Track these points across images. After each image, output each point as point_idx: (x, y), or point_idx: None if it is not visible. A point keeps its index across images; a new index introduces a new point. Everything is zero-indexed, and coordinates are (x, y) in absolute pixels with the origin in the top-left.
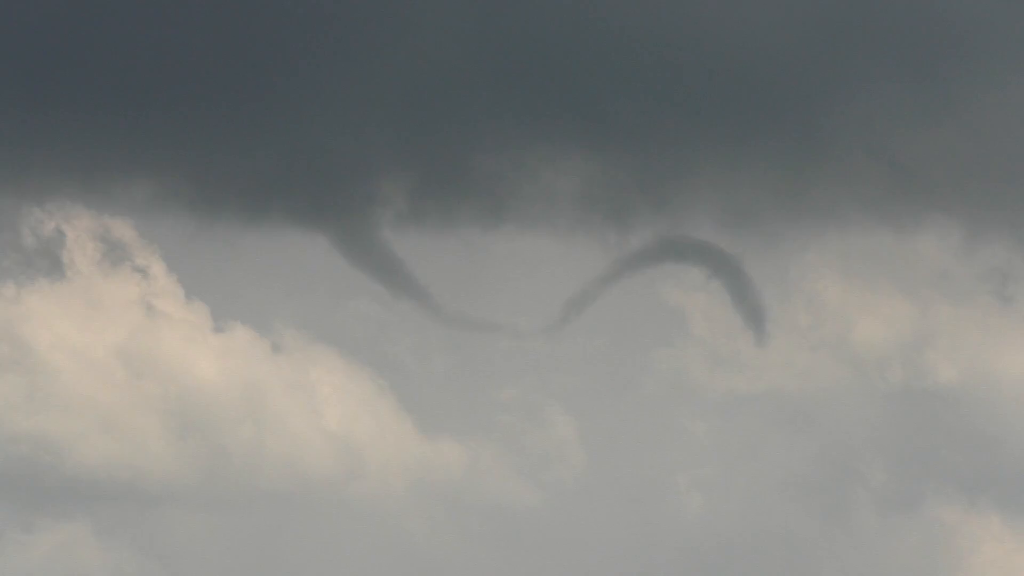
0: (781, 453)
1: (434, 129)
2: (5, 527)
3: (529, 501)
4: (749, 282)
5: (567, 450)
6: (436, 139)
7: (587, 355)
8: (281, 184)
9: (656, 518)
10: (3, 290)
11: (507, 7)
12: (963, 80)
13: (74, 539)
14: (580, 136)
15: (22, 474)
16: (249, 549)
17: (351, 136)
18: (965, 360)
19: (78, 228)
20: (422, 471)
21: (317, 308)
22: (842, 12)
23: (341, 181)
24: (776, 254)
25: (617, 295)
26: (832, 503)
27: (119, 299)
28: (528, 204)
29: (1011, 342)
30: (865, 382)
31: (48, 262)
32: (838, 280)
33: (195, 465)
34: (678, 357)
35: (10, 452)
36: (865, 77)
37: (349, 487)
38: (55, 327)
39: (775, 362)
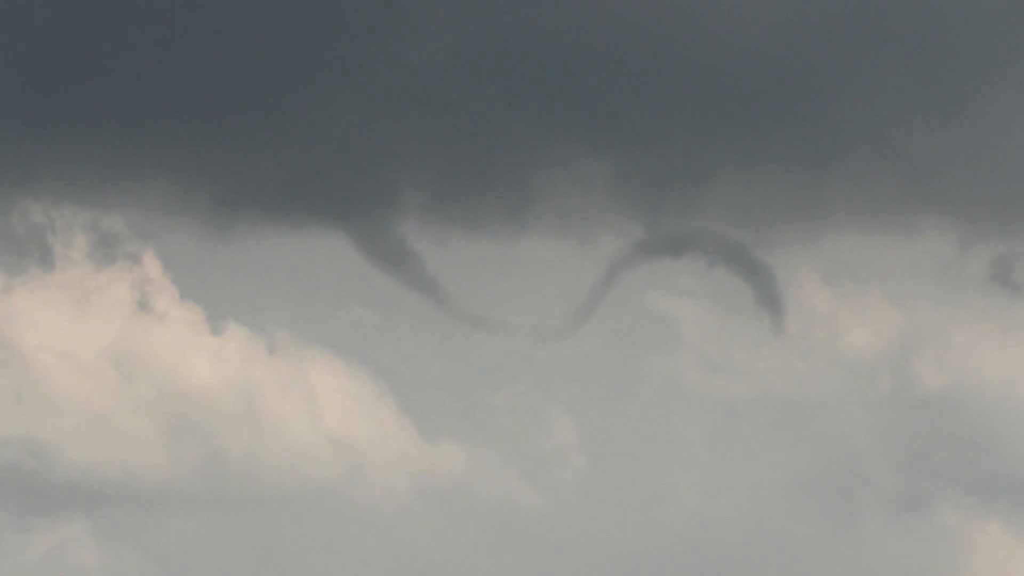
0: (780, 456)
1: (455, 126)
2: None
3: (529, 503)
4: (768, 272)
5: (567, 452)
6: (457, 136)
7: (583, 358)
8: (301, 182)
9: (656, 520)
10: None
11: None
12: (970, 81)
13: (71, 540)
14: (600, 135)
15: (22, 472)
16: (248, 553)
17: (372, 133)
18: (958, 364)
19: (74, 226)
20: (422, 474)
21: (316, 309)
22: (848, 12)
23: (362, 178)
24: (775, 259)
25: (609, 300)
26: (834, 505)
27: (111, 299)
28: (548, 204)
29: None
30: (858, 387)
31: (40, 254)
32: (826, 287)
33: (192, 468)
34: (673, 362)
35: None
36: (874, 78)
37: (349, 490)
38: (43, 327)
39: (769, 368)
